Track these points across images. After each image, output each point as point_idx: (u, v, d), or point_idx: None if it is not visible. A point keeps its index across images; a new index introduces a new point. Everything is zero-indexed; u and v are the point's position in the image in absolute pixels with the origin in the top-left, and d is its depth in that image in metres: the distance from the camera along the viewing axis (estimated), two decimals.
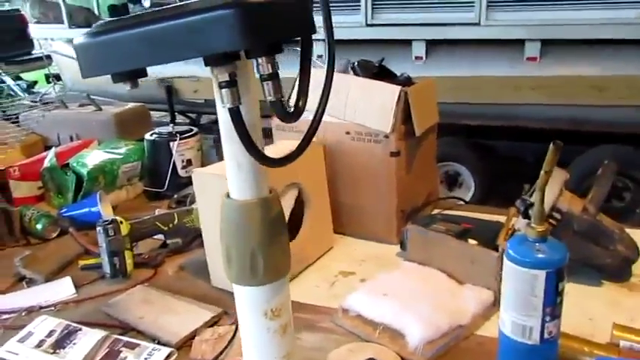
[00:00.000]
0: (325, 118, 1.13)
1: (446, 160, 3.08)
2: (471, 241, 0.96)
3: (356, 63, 1.16)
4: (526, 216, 0.68)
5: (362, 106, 1.07)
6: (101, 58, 0.34)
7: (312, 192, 1.04)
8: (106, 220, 1.06)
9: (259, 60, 0.30)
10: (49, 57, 4.18)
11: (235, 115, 0.29)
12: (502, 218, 1.02)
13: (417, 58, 2.84)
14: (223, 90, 0.28)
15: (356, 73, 1.14)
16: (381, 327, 0.82)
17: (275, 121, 1.19)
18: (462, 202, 1.33)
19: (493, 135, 3.15)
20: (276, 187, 0.96)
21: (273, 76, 0.31)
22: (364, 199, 1.12)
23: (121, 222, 1.06)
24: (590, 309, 0.86)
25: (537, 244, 0.62)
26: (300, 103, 0.30)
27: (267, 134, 1.20)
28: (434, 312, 0.82)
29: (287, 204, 1.00)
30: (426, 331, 0.79)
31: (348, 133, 1.10)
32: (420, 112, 1.07)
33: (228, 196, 0.37)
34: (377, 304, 0.86)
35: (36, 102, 2.35)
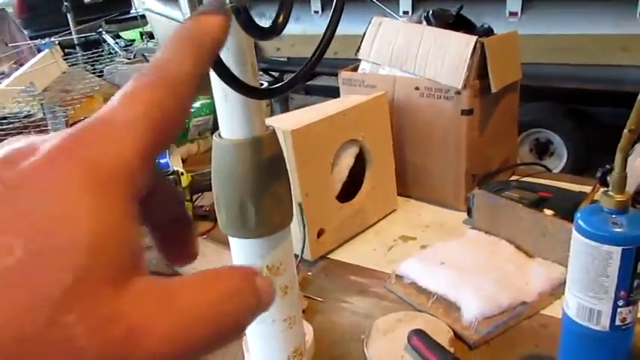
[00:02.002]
0: (394, 72, 1.07)
1: (537, 127, 2.86)
2: (547, 212, 0.86)
3: (430, 12, 1.06)
4: (604, 183, 0.58)
5: (433, 59, 0.99)
6: None
7: (375, 150, 0.98)
8: (167, 171, 1.07)
9: None
10: (143, 16, 4.33)
11: None
12: (590, 189, 0.91)
13: (511, 13, 2.62)
14: None
15: (430, 24, 1.05)
16: (434, 297, 0.76)
17: (342, 75, 1.13)
18: (545, 171, 1.21)
19: (593, 101, 2.88)
20: (334, 143, 0.92)
21: None
22: (432, 160, 1.04)
23: (182, 174, 1.06)
24: None
25: (614, 215, 0.53)
26: (280, 18, 0.25)
27: (334, 92, 1.14)
28: (495, 286, 0.75)
29: (346, 162, 0.95)
30: (483, 305, 0.72)
31: (417, 88, 1.02)
32: (498, 67, 0.97)
33: (219, 135, 0.33)
34: (433, 272, 0.80)
35: (131, 59, 2.44)
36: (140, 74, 0.19)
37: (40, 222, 0.16)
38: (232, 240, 0.35)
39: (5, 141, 0.18)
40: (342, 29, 0.34)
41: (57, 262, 0.15)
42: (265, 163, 0.31)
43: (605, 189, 0.55)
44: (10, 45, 2.53)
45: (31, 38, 3.35)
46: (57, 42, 1.52)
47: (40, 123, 1.39)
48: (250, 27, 0.24)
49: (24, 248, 0.15)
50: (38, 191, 0.16)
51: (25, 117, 1.44)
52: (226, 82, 0.26)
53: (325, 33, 0.29)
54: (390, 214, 1.05)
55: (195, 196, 1.11)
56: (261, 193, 0.31)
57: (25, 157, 0.17)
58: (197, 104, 1.51)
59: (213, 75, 0.28)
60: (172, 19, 3.87)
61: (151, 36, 4.20)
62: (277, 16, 0.25)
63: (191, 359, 0.17)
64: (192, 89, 0.20)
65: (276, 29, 0.25)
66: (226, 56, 0.28)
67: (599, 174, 0.65)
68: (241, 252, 0.33)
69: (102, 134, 0.18)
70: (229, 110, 0.31)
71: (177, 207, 0.24)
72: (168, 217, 0.24)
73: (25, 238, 0.15)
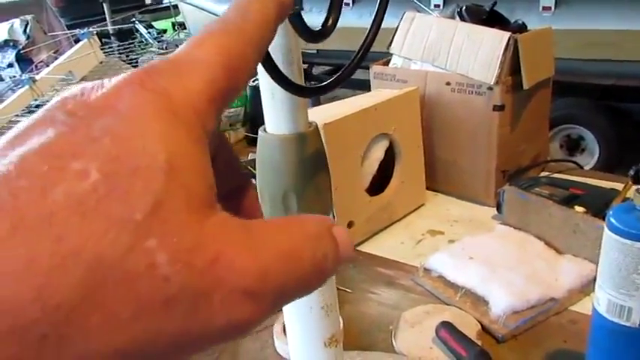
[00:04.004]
0: (426, 67, 1.07)
1: (568, 122, 2.82)
2: (578, 209, 0.86)
3: (464, 7, 1.06)
4: (637, 181, 0.58)
5: (465, 55, 0.99)
6: None
7: (405, 144, 0.99)
8: None
9: None
10: (175, 7, 4.37)
11: None
12: (622, 187, 0.90)
13: (544, 8, 2.58)
14: None
15: (463, 19, 1.05)
16: (462, 290, 0.77)
17: (374, 69, 1.14)
18: (576, 167, 1.20)
19: (627, 97, 2.83)
20: (365, 137, 0.93)
21: None
22: (462, 155, 1.05)
23: None
24: None
25: None
26: (330, 21, 0.26)
27: (365, 85, 1.15)
28: (524, 281, 0.76)
29: (376, 156, 0.96)
30: (512, 300, 0.73)
31: (448, 83, 1.02)
32: (530, 63, 0.97)
33: (264, 130, 0.34)
34: (461, 266, 0.81)
35: (163, 49, 2.47)
36: (210, 23, 0.19)
37: (113, 147, 0.15)
38: None
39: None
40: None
41: (135, 185, 0.14)
42: (308, 158, 0.33)
43: (638, 187, 0.55)
44: (49, 34, 2.60)
45: (68, 27, 3.42)
46: (94, 32, 1.56)
47: None
48: (303, 30, 0.26)
49: (99, 172, 0.14)
50: (109, 118, 0.15)
51: None
52: (276, 81, 0.28)
53: (370, 28, 0.30)
54: (418, 208, 1.06)
55: None
56: (303, 186, 0.32)
57: (93, 91, 0.16)
58: None
59: (261, 72, 0.30)
60: (204, 9, 3.90)
61: (182, 26, 4.25)
62: (327, 19, 0.26)
63: (276, 304, 0.17)
64: (263, 36, 0.20)
65: (325, 32, 0.26)
66: (275, 56, 0.29)
67: (632, 172, 0.65)
68: None
69: (172, 70, 0.17)
70: (276, 107, 0.32)
71: (238, 175, 0.24)
72: (230, 185, 0.23)
73: (100, 162, 0.14)
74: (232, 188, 0.23)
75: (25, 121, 0.16)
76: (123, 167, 0.15)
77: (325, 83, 0.29)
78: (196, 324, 0.15)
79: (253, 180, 1.03)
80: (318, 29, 0.27)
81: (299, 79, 0.31)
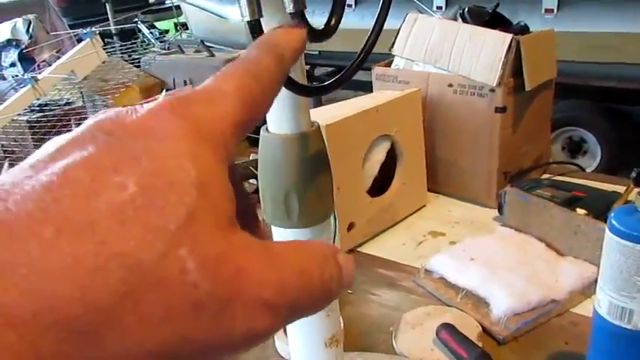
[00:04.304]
0: (428, 68, 1.07)
1: (570, 125, 2.82)
2: (580, 211, 0.86)
3: (466, 9, 1.06)
4: (638, 183, 0.58)
5: (468, 56, 0.99)
6: None
7: (407, 146, 0.99)
8: None
9: None
10: (178, 7, 4.38)
11: (254, 29, 0.25)
12: (624, 189, 0.90)
13: (547, 10, 2.58)
14: (241, 0, 0.25)
15: (465, 21, 1.05)
16: (463, 292, 0.77)
17: (376, 71, 1.14)
18: (578, 170, 1.20)
19: (629, 99, 2.82)
20: (367, 138, 0.93)
21: None
22: (463, 157, 1.05)
23: None
24: None
25: None
26: (333, 21, 0.26)
27: (367, 86, 1.15)
28: (525, 283, 0.76)
29: (378, 157, 0.96)
30: (513, 302, 0.73)
31: (450, 85, 1.02)
32: (533, 65, 0.97)
33: (266, 129, 0.35)
34: (462, 268, 0.81)
35: (165, 49, 2.47)
36: (231, 64, 0.21)
37: (149, 164, 0.16)
38: (276, 230, 0.36)
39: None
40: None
41: (169, 198, 0.16)
42: (310, 158, 0.33)
43: (639, 189, 0.55)
44: (51, 34, 2.60)
45: (70, 26, 3.43)
46: (97, 32, 1.56)
47: (81, 111, 1.44)
48: (306, 30, 0.26)
49: (137, 185, 0.16)
50: (144, 139, 0.17)
51: (65, 104, 1.48)
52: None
53: (373, 29, 0.30)
54: (419, 209, 1.06)
55: None
56: (305, 186, 0.32)
57: (128, 115, 0.18)
58: None
59: None
60: (206, 10, 3.91)
61: (185, 27, 4.26)
62: (329, 20, 0.26)
63: (289, 317, 0.18)
64: (274, 83, 0.22)
65: (328, 32, 0.26)
66: None
67: (633, 174, 0.65)
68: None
69: (202, 98, 0.19)
70: (278, 106, 0.32)
71: (245, 200, 0.25)
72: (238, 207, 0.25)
73: (138, 176, 0.16)
74: (239, 211, 0.24)
75: (61, 137, 0.17)
76: (158, 182, 0.16)
77: (327, 83, 0.29)
78: (220, 330, 0.16)
79: (254, 181, 1.02)
80: (321, 29, 0.27)
81: (302, 79, 0.32)
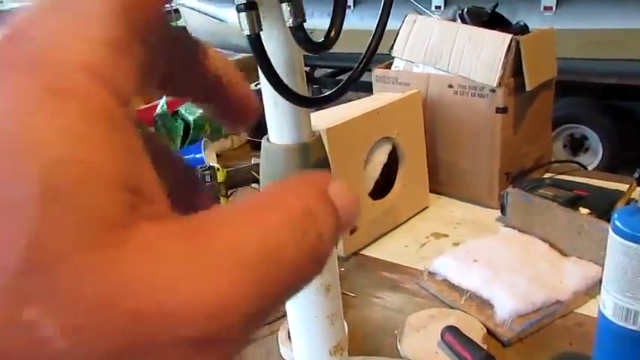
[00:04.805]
0: (428, 69, 1.07)
1: (571, 122, 2.81)
2: (583, 210, 0.86)
3: (465, 10, 1.06)
4: None
5: (467, 57, 0.99)
6: None
7: (408, 147, 0.99)
8: (204, 166, 1.09)
9: None
10: (177, 10, 4.38)
11: (254, 43, 0.25)
12: (626, 187, 0.90)
13: (546, 8, 2.58)
14: (241, 14, 0.25)
15: (464, 22, 1.05)
16: (467, 294, 0.77)
17: (376, 73, 1.14)
18: (580, 168, 1.20)
19: (630, 96, 2.82)
20: (368, 141, 0.92)
21: None
22: (465, 158, 1.05)
23: (218, 169, 1.09)
24: None
25: None
26: (332, 33, 0.26)
27: (367, 87, 1.15)
28: (529, 284, 0.75)
29: (379, 160, 0.96)
30: (517, 303, 0.72)
31: (450, 86, 1.02)
32: (533, 65, 0.96)
33: (268, 140, 0.34)
34: (466, 270, 0.80)
35: None
36: None
37: None
38: None
39: None
40: (374, 25, 0.35)
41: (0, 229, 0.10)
42: (312, 167, 0.33)
43: None
44: None
45: None
46: None
47: None
48: (305, 42, 0.26)
49: None
50: None
51: None
52: (279, 92, 0.28)
53: (374, 35, 0.30)
54: (422, 211, 1.06)
55: (229, 192, 1.14)
56: None
57: None
58: None
59: (263, 82, 0.30)
60: (205, 13, 3.91)
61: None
62: (329, 31, 0.26)
63: (251, 326, 0.12)
64: None
65: (327, 44, 0.26)
66: (278, 67, 0.29)
67: (636, 174, 0.65)
68: None
69: (45, 22, 0.12)
70: (279, 117, 0.32)
71: (182, 170, 0.19)
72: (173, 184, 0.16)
73: None
74: (176, 187, 0.17)
75: None
76: None
77: (328, 93, 0.29)
78: None
79: (256, 185, 1.02)
80: (320, 41, 0.27)
81: (302, 90, 0.31)
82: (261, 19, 0.25)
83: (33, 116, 0.11)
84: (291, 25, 0.25)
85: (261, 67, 0.27)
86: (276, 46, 0.28)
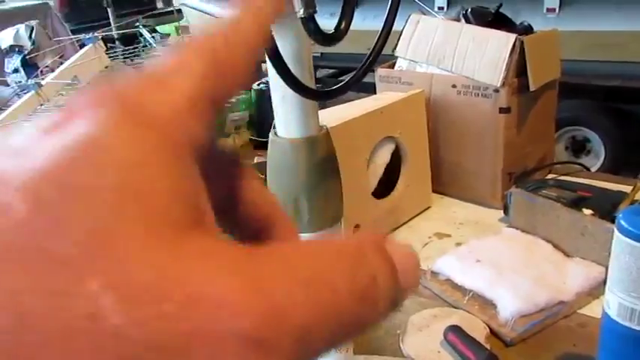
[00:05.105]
0: (432, 69, 1.07)
1: (574, 124, 2.81)
2: (586, 211, 0.86)
3: (469, 10, 1.06)
4: None
5: (471, 57, 0.99)
6: None
7: (411, 147, 0.99)
8: None
9: None
10: (179, 11, 4.38)
11: None
12: (629, 189, 0.90)
13: (549, 10, 2.58)
14: None
15: (468, 21, 1.05)
16: (470, 294, 0.77)
17: (379, 72, 1.14)
18: (583, 169, 1.19)
19: (633, 99, 2.81)
20: (371, 140, 0.92)
21: None
22: (468, 158, 1.04)
23: None
24: None
25: None
26: (343, 25, 0.26)
27: (370, 88, 1.15)
28: (532, 284, 0.75)
29: (382, 159, 0.96)
30: (520, 303, 0.72)
31: (454, 86, 1.02)
32: (537, 65, 0.96)
33: (275, 133, 0.34)
34: (469, 269, 0.80)
35: None
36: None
37: (50, 172, 0.12)
38: None
39: None
40: (376, 25, 0.35)
41: (70, 210, 0.11)
42: (319, 162, 0.32)
43: None
44: (53, 39, 2.61)
45: (72, 32, 3.44)
46: (99, 37, 1.57)
47: None
48: (316, 33, 0.26)
49: (25, 201, 0.11)
50: (51, 140, 0.12)
51: None
52: (288, 84, 0.28)
53: (381, 33, 0.30)
54: (424, 211, 1.06)
55: None
56: (314, 190, 0.32)
57: (46, 121, 0.13)
58: (234, 100, 1.54)
59: (272, 75, 0.30)
60: (208, 13, 3.91)
61: (186, 30, 4.26)
62: (339, 23, 0.26)
63: (301, 352, 0.12)
64: (248, 39, 0.17)
65: (338, 36, 0.26)
66: (287, 60, 0.29)
67: None
68: None
69: (142, 81, 0.14)
70: (287, 110, 0.32)
71: (271, 208, 0.19)
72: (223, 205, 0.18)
73: (27, 188, 0.11)
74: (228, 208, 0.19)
75: None
76: (59, 191, 0.11)
77: (337, 87, 0.29)
78: None
79: None
80: (331, 32, 0.27)
81: (310, 83, 0.31)
82: None
83: (120, 129, 0.13)
84: (302, 16, 0.25)
85: (270, 59, 0.27)
86: (285, 38, 0.28)
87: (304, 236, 0.35)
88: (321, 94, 0.32)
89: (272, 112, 0.38)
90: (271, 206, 0.19)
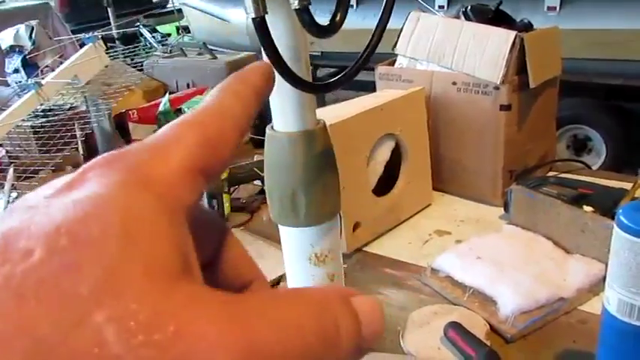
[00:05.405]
0: (432, 67, 1.07)
1: (575, 123, 2.80)
2: (587, 208, 0.86)
3: (469, 7, 1.06)
4: None
5: (471, 54, 0.98)
6: None
7: (411, 144, 0.98)
8: None
9: None
10: (180, 10, 4.38)
11: (259, 27, 0.25)
12: (628, 186, 0.90)
13: (549, 8, 2.57)
14: None
15: (468, 19, 1.05)
16: (470, 290, 0.77)
17: (379, 70, 1.13)
18: (584, 167, 1.19)
19: (634, 97, 2.81)
20: (371, 138, 0.92)
21: None
22: (468, 155, 1.04)
23: None
24: None
25: None
26: (338, 18, 0.26)
27: (370, 87, 1.15)
28: (532, 281, 0.75)
29: (382, 157, 0.96)
30: (520, 300, 0.72)
31: (454, 83, 1.01)
32: (537, 62, 0.96)
33: (272, 128, 0.34)
34: (469, 267, 0.80)
35: (167, 52, 2.48)
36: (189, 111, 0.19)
37: (64, 222, 0.14)
38: (283, 229, 0.36)
39: None
40: (375, 25, 0.35)
41: (83, 255, 0.13)
42: (316, 156, 0.32)
43: None
44: (54, 39, 2.61)
45: (73, 32, 3.44)
46: (99, 36, 1.57)
47: (84, 115, 1.44)
48: (311, 25, 0.26)
49: (44, 249, 0.13)
50: (65, 197, 0.15)
51: (69, 109, 1.48)
52: (284, 78, 0.28)
53: (376, 28, 0.30)
54: (425, 208, 1.06)
55: (232, 189, 1.14)
56: (312, 184, 0.32)
57: (59, 182, 0.16)
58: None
59: None
60: (208, 13, 3.91)
61: (186, 30, 4.26)
62: (334, 15, 0.26)
63: None
64: (238, 119, 0.19)
65: (333, 27, 0.26)
66: (283, 53, 0.29)
67: None
68: (291, 240, 0.35)
69: (143, 149, 0.17)
70: (284, 104, 0.32)
71: (253, 271, 0.22)
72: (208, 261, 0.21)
73: (46, 237, 0.14)
74: (212, 263, 0.22)
75: None
76: (72, 240, 0.14)
77: (334, 80, 0.29)
78: None
79: (258, 182, 1.02)
80: (326, 25, 0.27)
81: (307, 76, 0.31)
82: (266, 1, 0.25)
83: (125, 190, 0.15)
84: (297, 8, 0.25)
85: (266, 51, 0.27)
86: (281, 31, 0.28)
87: (301, 230, 0.35)
88: (318, 87, 0.32)
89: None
90: (250, 268, 0.22)
